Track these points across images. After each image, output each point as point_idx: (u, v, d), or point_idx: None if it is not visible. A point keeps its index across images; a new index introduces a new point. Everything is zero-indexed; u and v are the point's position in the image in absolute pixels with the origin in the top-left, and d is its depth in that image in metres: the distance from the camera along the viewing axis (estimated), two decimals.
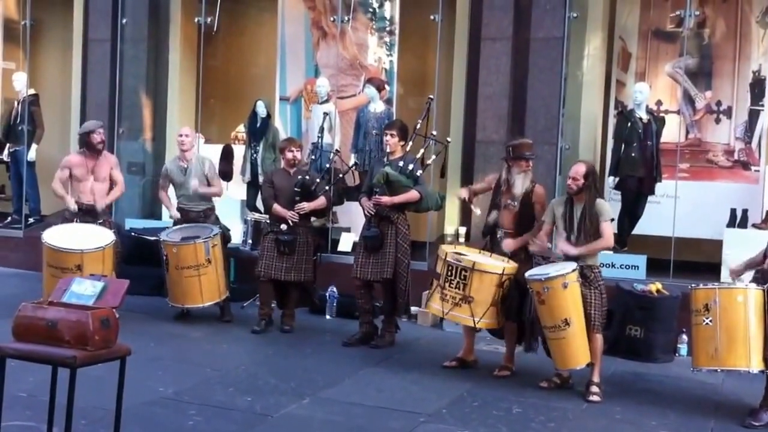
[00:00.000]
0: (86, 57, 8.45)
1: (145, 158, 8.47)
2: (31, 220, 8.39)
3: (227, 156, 7.66)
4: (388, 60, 7.89)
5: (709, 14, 7.30)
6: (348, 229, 7.45)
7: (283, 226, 5.99)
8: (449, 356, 5.42)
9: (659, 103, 7.39)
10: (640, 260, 6.33)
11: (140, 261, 6.98)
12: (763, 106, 7.07)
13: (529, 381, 5.02)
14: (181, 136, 6.47)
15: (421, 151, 5.71)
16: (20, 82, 8.51)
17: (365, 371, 5.18)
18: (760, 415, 4.44)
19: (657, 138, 6.78)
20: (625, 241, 6.79)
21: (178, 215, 6.46)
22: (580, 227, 4.87)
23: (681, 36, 7.19)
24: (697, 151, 7.30)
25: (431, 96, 6.03)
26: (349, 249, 7.02)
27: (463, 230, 7.02)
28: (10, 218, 8.60)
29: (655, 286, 5.84)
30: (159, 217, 8.07)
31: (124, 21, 8.19)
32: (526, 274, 4.88)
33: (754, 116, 7.13)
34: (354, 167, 6.93)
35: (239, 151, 7.94)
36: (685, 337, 5.76)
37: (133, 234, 7.37)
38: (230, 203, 7.56)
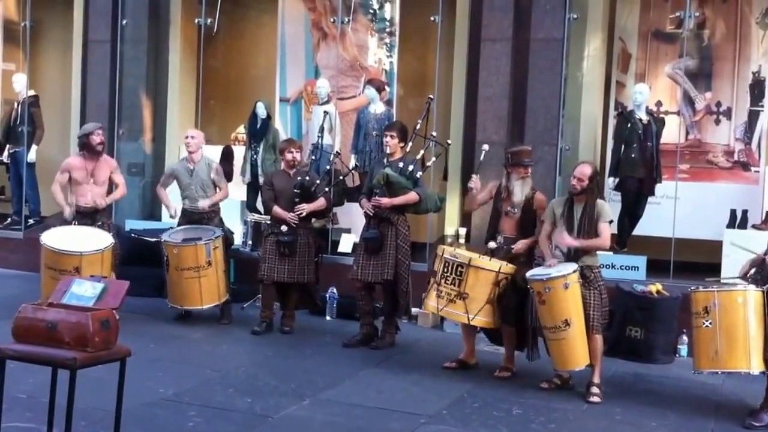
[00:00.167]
0: (86, 58, 8.44)
1: (145, 159, 8.47)
2: (30, 221, 8.39)
3: (227, 157, 7.66)
4: (388, 61, 7.90)
5: (709, 15, 7.30)
6: (348, 231, 7.45)
7: (284, 228, 5.99)
8: (450, 357, 5.42)
9: (659, 104, 7.40)
10: (640, 261, 6.33)
11: (140, 262, 6.97)
12: (762, 107, 7.08)
13: (529, 382, 5.02)
14: (187, 137, 6.47)
15: (421, 152, 5.71)
16: (20, 83, 8.51)
17: (365, 372, 5.18)
18: (760, 415, 4.44)
19: (657, 139, 6.78)
20: (625, 242, 6.80)
21: (177, 213, 6.44)
22: (580, 227, 4.87)
23: (681, 37, 7.19)
24: (696, 152, 7.30)
25: (431, 96, 6.03)
26: (349, 250, 7.02)
27: (463, 231, 7.01)
28: (9, 219, 8.59)
29: (655, 287, 5.84)
30: (159, 219, 8.07)
31: (124, 22, 8.19)
32: (527, 274, 4.88)
33: (753, 117, 7.13)
34: (354, 169, 6.93)
35: (239, 152, 7.94)
36: (685, 338, 5.76)
37: (132, 235, 7.37)
38: (230, 204, 7.53)
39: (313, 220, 6.29)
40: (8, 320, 3.44)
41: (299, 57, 8.33)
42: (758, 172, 7.06)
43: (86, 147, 6.18)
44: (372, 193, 5.67)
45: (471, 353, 5.36)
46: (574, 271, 4.74)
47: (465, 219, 7.17)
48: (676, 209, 6.63)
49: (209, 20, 8.07)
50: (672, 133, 7.06)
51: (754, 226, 6.67)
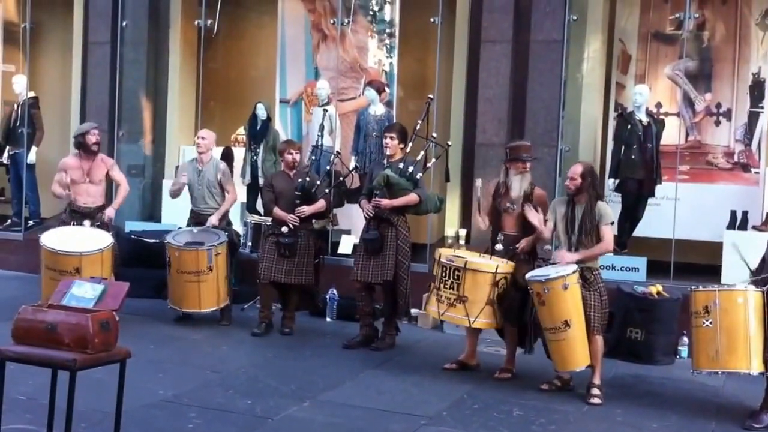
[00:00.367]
0: (86, 60, 8.45)
1: (145, 161, 8.48)
2: (30, 222, 8.39)
3: (227, 158, 7.64)
4: (388, 62, 7.90)
5: (709, 17, 7.31)
6: (348, 232, 7.45)
7: (284, 229, 5.99)
8: (450, 358, 5.41)
9: (659, 105, 7.40)
10: (641, 262, 6.32)
11: (140, 263, 6.98)
12: (762, 108, 7.08)
13: (529, 383, 5.01)
14: (198, 138, 6.46)
15: (422, 153, 5.71)
16: (20, 84, 8.51)
17: (366, 374, 5.18)
18: (760, 416, 4.43)
19: (657, 140, 6.78)
20: (625, 243, 6.79)
21: (184, 179, 6.36)
22: (581, 229, 4.87)
23: (680, 38, 7.20)
24: (697, 153, 7.31)
25: (430, 96, 6.03)
26: (349, 251, 7.02)
27: (463, 232, 7.02)
28: (9, 221, 8.60)
29: (655, 288, 5.83)
30: (159, 220, 8.08)
31: (124, 24, 8.19)
32: (527, 275, 4.88)
33: (753, 118, 7.13)
34: (354, 170, 6.92)
35: (239, 153, 7.94)
36: (685, 339, 5.75)
37: (132, 236, 7.37)
38: None
39: (314, 221, 6.28)
40: (8, 322, 3.43)
41: (299, 58, 8.34)
42: (758, 173, 7.06)
43: (82, 147, 6.19)
44: (372, 195, 5.67)
45: (472, 354, 5.36)
46: (574, 272, 4.73)
47: (465, 220, 7.17)
48: (677, 210, 6.63)
49: (209, 22, 8.07)
50: (672, 135, 7.06)
51: (754, 227, 6.67)
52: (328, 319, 6.67)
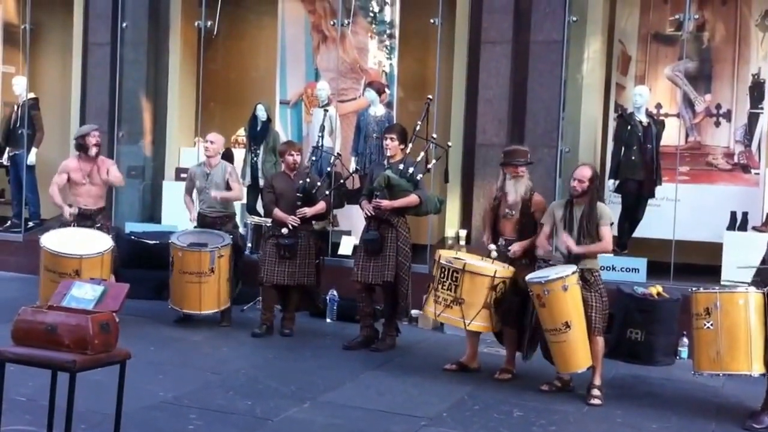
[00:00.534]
0: (86, 60, 8.45)
1: (145, 162, 8.48)
2: (30, 224, 8.40)
3: (227, 159, 7.65)
4: (388, 63, 7.90)
5: (709, 17, 7.31)
6: (348, 233, 7.45)
7: (284, 230, 5.99)
8: (450, 359, 5.41)
9: (659, 106, 7.40)
10: (641, 263, 6.32)
11: (140, 264, 6.98)
12: (762, 109, 7.08)
13: (530, 384, 5.01)
14: (206, 142, 6.45)
15: (422, 154, 5.71)
16: (20, 85, 8.52)
17: (366, 375, 5.18)
18: (760, 417, 4.43)
19: (657, 141, 6.78)
20: (625, 244, 6.80)
21: (194, 221, 6.43)
22: (580, 230, 4.87)
23: (680, 39, 7.20)
24: (697, 154, 7.30)
25: (430, 96, 6.02)
26: (349, 252, 7.02)
27: (463, 233, 7.02)
28: (9, 222, 8.60)
29: (655, 289, 5.83)
30: (159, 221, 8.08)
31: (124, 24, 8.20)
32: (527, 277, 4.88)
33: (753, 119, 7.13)
34: (355, 172, 6.92)
35: (239, 154, 7.94)
36: (685, 340, 5.76)
37: (132, 238, 7.38)
38: None
39: (314, 222, 6.28)
40: (8, 323, 3.43)
41: (299, 59, 8.34)
42: (758, 174, 7.06)
43: (82, 148, 6.19)
44: (372, 195, 5.67)
45: (473, 357, 5.35)
46: (573, 273, 4.73)
47: (465, 221, 7.18)
48: (677, 211, 6.63)
49: (209, 23, 8.07)
50: (672, 136, 7.07)
51: (754, 228, 6.68)
52: (328, 320, 6.67)
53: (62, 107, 9.03)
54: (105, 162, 6.37)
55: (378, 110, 7.32)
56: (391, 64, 7.88)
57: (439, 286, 5.06)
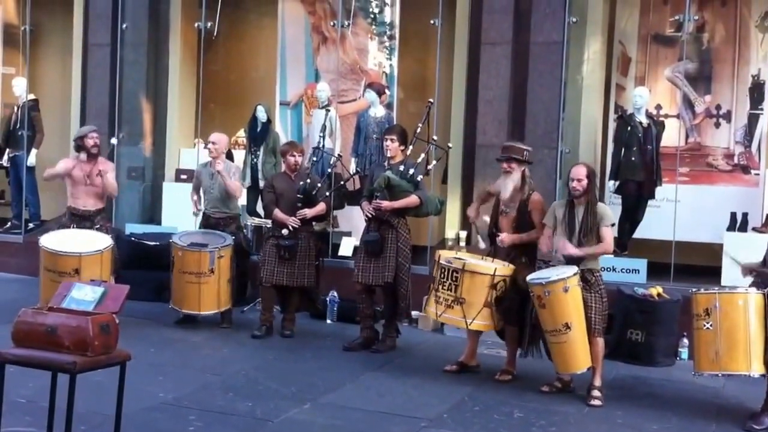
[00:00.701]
0: (86, 62, 8.45)
1: (145, 163, 8.47)
2: (30, 225, 8.40)
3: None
4: (388, 64, 7.91)
5: (708, 18, 7.31)
6: (349, 234, 7.44)
7: (284, 231, 5.99)
8: (450, 360, 5.41)
9: (659, 107, 7.40)
10: (641, 264, 6.32)
11: (140, 266, 6.98)
12: (762, 110, 7.08)
13: (530, 385, 5.01)
14: (208, 143, 6.45)
15: (422, 155, 5.72)
16: (20, 87, 8.52)
17: (366, 376, 5.17)
18: (761, 418, 4.43)
19: (657, 142, 6.78)
20: (625, 244, 6.79)
21: (196, 214, 6.42)
22: (581, 230, 4.87)
23: (680, 40, 7.20)
24: (697, 155, 7.30)
25: (431, 100, 6.03)
26: (349, 254, 7.02)
27: (463, 234, 7.01)
28: (9, 223, 8.60)
29: (655, 290, 5.84)
30: (159, 222, 8.08)
31: (124, 26, 8.20)
32: (528, 278, 4.88)
33: (753, 120, 7.13)
34: (355, 174, 6.92)
35: (239, 155, 7.94)
36: (686, 341, 5.76)
37: (132, 239, 7.38)
38: None
39: (314, 223, 6.28)
40: (8, 324, 3.43)
41: (299, 60, 8.34)
42: (758, 175, 7.06)
43: (81, 149, 6.20)
44: (373, 196, 5.67)
45: (472, 355, 5.36)
46: (574, 275, 4.73)
47: (466, 222, 7.17)
48: (677, 212, 6.63)
49: (209, 24, 8.07)
50: (672, 137, 7.07)
51: (754, 229, 6.68)
52: (328, 322, 6.67)
53: (62, 108, 9.03)
54: (105, 164, 6.37)
55: (378, 111, 7.32)
56: (391, 65, 7.88)
57: (440, 287, 5.06)
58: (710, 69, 7.32)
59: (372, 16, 7.98)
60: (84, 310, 3.50)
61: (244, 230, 6.80)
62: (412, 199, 5.60)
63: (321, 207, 6.11)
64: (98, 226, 6.19)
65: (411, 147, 5.74)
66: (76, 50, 8.75)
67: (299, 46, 8.34)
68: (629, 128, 6.77)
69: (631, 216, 6.86)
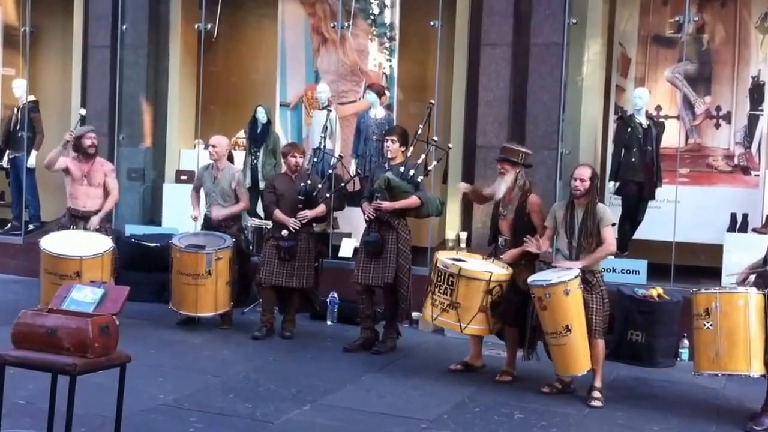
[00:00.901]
0: (86, 63, 8.45)
1: (145, 164, 8.47)
2: (30, 226, 8.40)
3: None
4: (388, 66, 7.91)
5: (708, 20, 7.30)
6: (349, 235, 7.44)
7: (284, 232, 5.99)
8: (451, 361, 5.42)
9: (659, 108, 7.40)
10: (641, 265, 6.32)
11: (140, 267, 6.98)
12: (762, 111, 7.07)
13: (530, 386, 5.01)
14: (209, 146, 6.45)
15: (423, 156, 5.72)
16: (20, 88, 8.52)
17: (366, 377, 5.17)
18: (761, 419, 4.43)
19: (657, 143, 6.78)
20: (626, 245, 6.79)
21: (197, 217, 6.43)
22: (581, 232, 4.87)
23: (680, 41, 7.20)
24: (697, 156, 7.30)
25: (432, 101, 6.03)
26: (349, 255, 7.02)
27: (464, 235, 7.01)
28: (9, 225, 8.60)
29: (656, 291, 5.83)
30: (159, 224, 8.08)
31: (124, 27, 8.20)
32: (528, 280, 4.87)
33: (753, 121, 7.13)
34: (356, 177, 6.92)
35: (240, 157, 7.93)
36: (686, 341, 5.76)
37: (133, 240, 7.37)
38: None
39: (314, 224, 6.28)
40: (8, 326, 3.43)
41: (299, 62, 8.34)
42: (758, 176, 7.06)
43: (79, 150, 6.21)
44: (373, 197, 5.67)
45: (477, 356, 5.37)
46: (576, 277, 4.73)
47: (466, 223, 7.17)
48: (677, 213, 6.63)
49: (209, 25, 8.07)
50: (672, 137, 7.06)
51: (754, 230, 6.68)
52: (328, 323, 6.67)
53: (62, 110, 9.02)
54: (103, 164, 6.37)
55: (378, 112, 7.32)
56: (391, 67, 7.88)
57: (436, 290, 5.09)
58: (710, 70, 7.32)
59: (372, 17, 7.99)
60: (84, 311, 3.50)
61: (245, 232, 6.81)
62: (413, 200, 5.60)
63: (321, 208, 6.12)
64: (98, 227, 6.19)
65: (411, 148, 5.74)
66: (76, 52, 8.75)
67: (299, 48, 8.34)
68: (629, 129, 6.76)
69: (632, 217, 6.86)
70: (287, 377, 5.06)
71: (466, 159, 7.26)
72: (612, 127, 7.38)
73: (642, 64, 7.50)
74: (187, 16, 8.50)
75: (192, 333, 6.12)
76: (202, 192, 6.53)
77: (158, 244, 7.08)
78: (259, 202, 7.08)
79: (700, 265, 6.83)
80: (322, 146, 6.79)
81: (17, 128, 8.44)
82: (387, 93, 7.51)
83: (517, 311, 5.04)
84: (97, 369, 3.33)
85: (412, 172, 5.59)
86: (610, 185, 6.86)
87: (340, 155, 6.80)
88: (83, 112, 6.81)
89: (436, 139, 5.84)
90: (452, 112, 7.61)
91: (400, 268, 5.60)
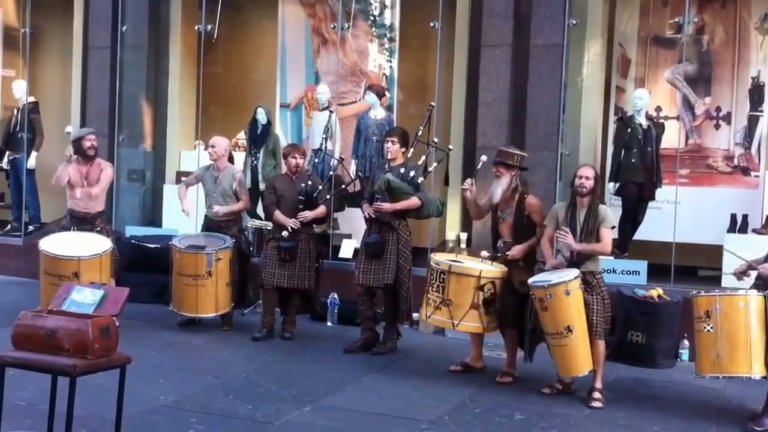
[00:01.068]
0: (86, 64, 8.45)
1: (146, 166, 8.47)
2: (30, 227, 8.40)
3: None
4: (388, 67, 7.91)
5: (708, 20, 7.31)
6: (349, 236, 7.44)
7: (285, 233, 5.99)
8: (451, 362, 5.42)
9: (659, 109, 7.40)
10: (641, 266, 6.32)
11: (141, 268, 6.98)
12: (762, 111, 7.07)
13: (531, 387, 5.01)
14: (208, 147, 6.45)
15: (423, 158, 5.72)
16: (20, 89, 8.52)
17: (367, 378, 5.17)
18: (762, 419, 4.43)
19: (657, 144, 6.78)
20: (626, 246, 6.79)
21: (189, 211, 6.41)
22: (582, 232, 4.87)
23: (680, 42, 7.20)
24: (697, 156, 7.30)
25: (432, 103, 6.03)
26: (350, 256, 7.02)
27: (464, 236, 7.01)
28: (9, 226, 8.60)
29: (656, 292, 5.83)
30: (159, 225, 8.08)
31: (124, 28, 8.20)
32: (529, 281, 4.88)
33: (753, 122, 7.13)
34: (356, 179, 6.93)
35: (240, 158, 7.94)
36: (686, 342, 5.76)
37: (133, 241, 7.37)
38: None
39: (314, 225, 6.28)
40: (8, 327, 3.43)
41: (299, 63, 8.34)
42: (758, 176, 7.06)
43: (79, 152, 6.21)
44: (374, 199, 5.67)
45: (478, 357, 5.37)
46: (576, 278, 4.73)
47: (466, 224, 7.17)
48: (677, 214, 6.63)
49: (209, 26, 8.08)
50: (672, 138, 7.06)
51: (754, 231, 6.68)
52: (329, 324, 6.66)
53: (62, 111, 9.03)
54: (102, 165, 6.36)
55: (378, 113, 7.32)
56: (391, 67, 7.88)
57: (430, 288, 5.12)
58: (710, 71, 7.32)
59: (372, 18, 7.99)
60: (84, 313, 3.50)
61: (246, 232, 6.81)
62: (413, 201, 5.60)
63: (322, 209, 6.12)
64: (98, 228, 6.20)
65: (412, 149, 5.74)
66: (76, 53, 8.75)
67: (299, 49, 8.34)
68: (629, 130, 6.76)
69: (632, 218, 6.86)
70: (288, 378, 5.06)
71: (466, 160, 7.26)
72: (612, 128, 7.38)
73: (642, 64, 7.50)
74: (187, 17, 8.50)
75: (192, 334, 6.12)
76: (200, 191, 6.51)
77: (158, 245, 7.09)
78: (260, 203, 7.08)
79: (700, 266, 6.83)
80: (323, 148, 6.79)
81: (17, 129, 8.44)
82: (387, 94, 7.51)
83: (515, 313, 5.04)
84: (97, 370, 3.33)
85: (412, 173, 5.59)
86: (610, 186, 6.86)
87: (341, 157, 6.80)
88: (70, 128, 6.75)
89: (436, 140, 5.85)
90: (452, 113, 7.61)
91: (401, 269, 5.60)
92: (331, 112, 7.25)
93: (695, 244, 6.84)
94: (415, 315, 6.21)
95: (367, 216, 5.70)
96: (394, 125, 7.02)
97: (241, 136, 8.39)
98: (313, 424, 4.24)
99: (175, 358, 5.49)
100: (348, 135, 7.78)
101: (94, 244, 5.92)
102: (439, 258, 5.19)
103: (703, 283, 6.06)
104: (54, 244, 5.88)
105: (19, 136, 8.40)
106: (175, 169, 8.55)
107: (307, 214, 6.00)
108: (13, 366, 3.33)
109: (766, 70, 7.10)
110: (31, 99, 8.56)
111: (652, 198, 6.84)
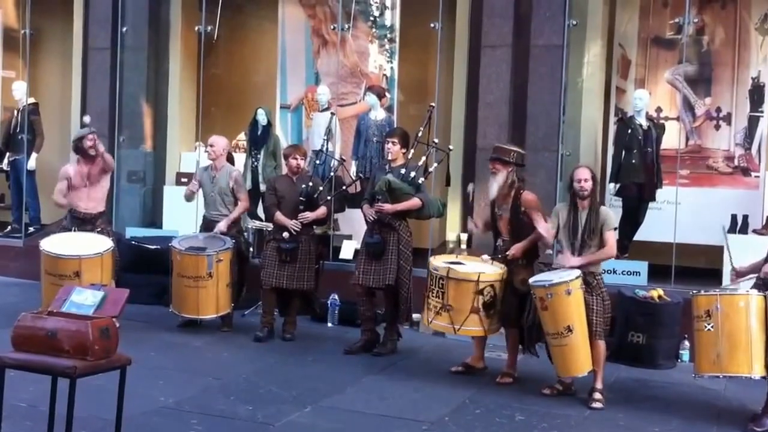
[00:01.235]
0: (86, 65, 8.45)
1: (146, 167, 8.47)
2: (31, 229, 8.39)
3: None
4: (388, 67, 7.91)
5: (708, 21, 7.31)
6: (350, 237, 7.44)
7: (285, 234, 5.99)
8: (452, 363, 5.41)
9: (659, 109, 7.40)
10: (642, 266, 6.32)
11: (141, 269, 6.98)
12: (762, 112, 7.08)
13: (531, 388, 5.00)
14: (207, 146, 6.45)
15: (423, 158, 5.72)
16: (20, 91, 8.52)
17: (367, 379, 5.17)
18: (762, 420, 4.43)
19: (657, 144, 6.78)
20: (626, 247, 6.79)
21: (196, 186, 6.40)
22: (584, 233, 4.86)
23: (680, 43, 7.20)
24: (697, 157, 7.30)
25: (432, 104, 6.03)
26: (350, 257, 7.01)
27: (464, 236, 7.01)
28: (9, 227, 8.59)
29: (656, 292, 5.83)
30: (160, 226, 8.08)
31: (124, 29, 8.20)
32: (530, 280, 4.88)
33: (753, 122, 7.13)
34: (357, 180, 6.93)
35: (240, 159, 7.94)
36: (687, 343, 5.75)
37: (133, 243, 7.37)
38: None
39: (314, 226, 6.28)
40: (8, 329, 3.43)
41: (300, 64, 8.35)
42: (758, 177, 7.06)
43: (79, 152, 6.21)
44: (374, 199, 5.67)
45: (479, 358, 5.37)
46: (577, 278, 4.73)
47: (466, 225, 7.16)
48: (677, 214, 6.63)
49: (209, 27, 8.08)
50: (672, 139, 7.06)
51: (754, 231, 6.68)
52: (329, 325, 6.66)
53: (62, 112, 9.03)
54: (104, 161, 6.34)
55: (378, 114, 7.32)
56: (391, 68, 7.88)
57: (430, 294, 5.12)
58: (710, 71, 7.32)
59: (372, 19, 7.99)
60: (84, 314, 3.50)
61: (245, 233, 6.81)
62: (414, 202, 5.60)
63: (322, 210, 6.12)
64: (99, 229, 6.20)
65: (412, 150, 5.74)
66: (77, 54, 8.75)
67: (299, 50, 8.35)
68: (629, 131, 6.76)
69: (632, 218, 6.86)
70: (288, 379, 5.05)
71: (467, 161, 7.26)
72: (612, 128, 7.38)
73: (642, 65, 7.50)
74: (187, 18, 8.51)
75: (192, 335, 6.11)
76: (200, 193, 6.51)
77: (158, 247, 7.08)
78: (260, 204, 7.08)
79: (700, 266, 6.82)
80: (324, 149, 6.79)
81: (17, 131, 8.44)
82: (387, 95, 7.51)
83: (516, 312, 5.04)
84: (97, 372, 3.32)
85: (413, 173, 5.59)
86: (611, 187, 6.86)
87: (342, 158, 6.79)
88: (87, 119, 6.77)
89: (436, 141, 5.85)
90: (453, 114, 7.61)
91: (401, 269, 5.60)
92: (332, 114, 7.26)
93: (696, 244, 6.84)
94: (415, 316, 6.22)
95: (368, 218, 5.69)
96: (395, 126, 7.02)
97: (242, 137, 8.39)
98: (314, 426, 4.24)
99: (176, 359, 5.49)
100: (348, 136, 7.78)
101: (95, 244, 5.92)
102: (437, 263, 5.17)
103: (703, 283, 6.05)
104: (55, 244, 5.88)
105: (20, 137, 8.40)
106: (176, 170, 8.55)
107: (308, 215, 6.00)
108: (13, 367, 3.33)
109: (766, 70, 7.11)
110: (31, 100, 8.56)
111: (653, 199, 6.84)
